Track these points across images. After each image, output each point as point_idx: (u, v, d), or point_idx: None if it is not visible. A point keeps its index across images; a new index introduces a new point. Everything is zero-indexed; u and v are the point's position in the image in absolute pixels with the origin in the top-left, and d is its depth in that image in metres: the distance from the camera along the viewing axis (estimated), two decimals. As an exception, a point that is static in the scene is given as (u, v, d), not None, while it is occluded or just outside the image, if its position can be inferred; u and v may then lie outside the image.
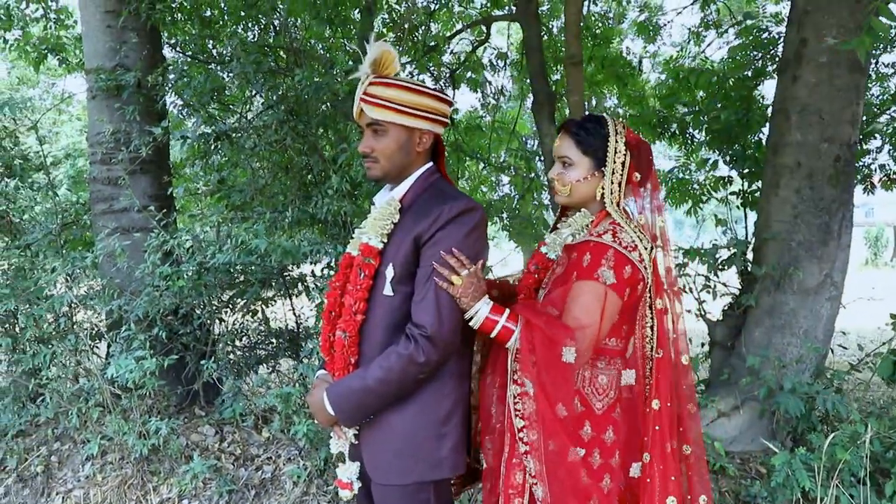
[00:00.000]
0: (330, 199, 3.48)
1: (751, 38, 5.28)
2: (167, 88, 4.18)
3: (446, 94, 1.83)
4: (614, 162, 1.80)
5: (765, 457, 3.45)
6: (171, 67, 4.23)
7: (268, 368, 4.14)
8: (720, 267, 3.97)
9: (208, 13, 5.39)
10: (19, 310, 3.48)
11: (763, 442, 3.42)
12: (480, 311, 1.69)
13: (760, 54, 5.28)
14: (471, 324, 1.71)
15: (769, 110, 4.21)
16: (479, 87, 7.36)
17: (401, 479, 1.71)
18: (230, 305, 3.98)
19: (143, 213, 3.81)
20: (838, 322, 3.77)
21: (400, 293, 1.70)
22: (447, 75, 6.95)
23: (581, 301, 1.69)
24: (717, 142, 5.04)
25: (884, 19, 2.54)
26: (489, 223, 3.30)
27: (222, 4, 5.46)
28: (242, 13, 5.19)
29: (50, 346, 3.45)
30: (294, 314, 4.16)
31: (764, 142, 4.61)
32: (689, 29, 7.81)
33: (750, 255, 3.95)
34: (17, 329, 3.63)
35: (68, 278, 3.62)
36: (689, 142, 5.76)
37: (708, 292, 3.99)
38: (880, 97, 5.79)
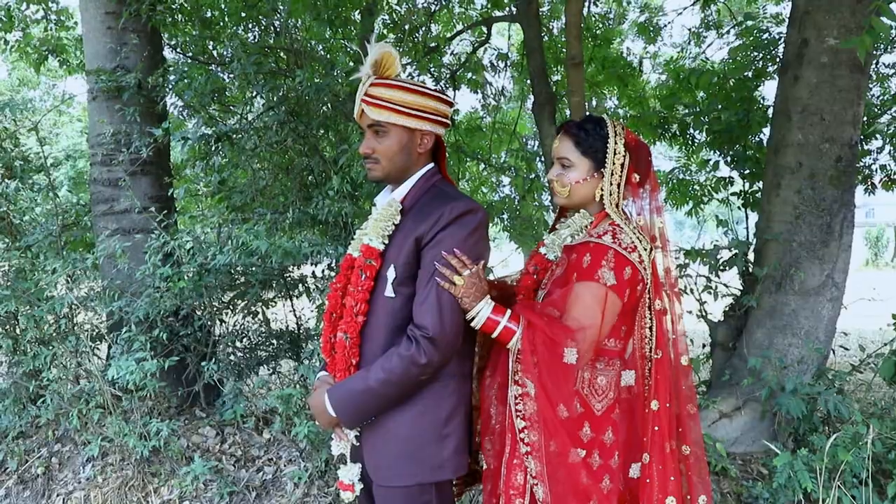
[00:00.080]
0: (331, 201, 3.47)
1: (751, 38, 5.28)
2: (168, 90, 4.19)
3: (447, 95, 1.83)
4: (613, 163, 1.80)
5: (766, 458, 3.45)
6: (171, 69, 4.23)
7: (268, 370, 4.13)
8: (721, 268, 3.97)
9: (209, 14, 5.39)
10: (20, 311, 3.48)
11: (765, 443, 3.41)
12: (482, 312, 1.69)
13: (761, 55, 5.28)
14: (472, 324, 1.71)
15: (770, 111, 4.21)
16: (479, 87, 7.36)
17: (403, 481, 1.71)
18: (231, 307, 3.97)
19: (144, 214, 3.81)
20: (839, 323, 3.77)
21: (401, 295, 1.70)
22: (448, 76, 6.95)
23: (582, 302, 1.69)
24: (718, 142, 5.04)
25: (885, 19, 2.54)
26: (490, 224, 3.30)
27: (223, 6, 5.46)
28: (243, 14, 5.20)
29: (50, 348, 3.44)
30: (295, 315, 4.16)
31: (765, 142, 4.61)
32: (690, 30, 7.81)
33: (751, 256, 3.94)
34: (18, 330, 3.63)
35: (69, 280, 3.61)
36: (689, 143, 5.76)
37: (709, 293, 3.99)
38: (881, 97, 5.79)
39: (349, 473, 1.82)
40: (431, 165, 1.83)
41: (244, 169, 4.08)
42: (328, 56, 5.18)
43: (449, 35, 7.29)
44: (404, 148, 1.76)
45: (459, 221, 1.66)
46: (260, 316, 4.04)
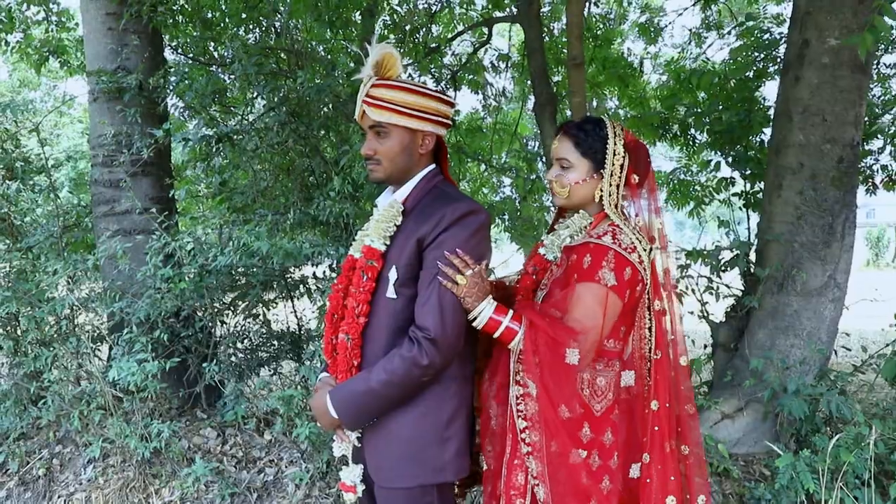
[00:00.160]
0: (332, 202, 3.47)
1: (752, 39, 5.27)
2: (168, 91, 4.19)
3: (448, 96, 1.83)
4: (613, 164, 1.81)
5: (768, 459, 3.44)
6: (172, 70, 4.24)
7: (269, 371, 4.13)
8: (723, 268, 3.96)
9: (210, 15, 5.39)
10: (21, 312, 3.48)
11: (767, 444, 3.41)
12: (484, 312, 1.69)
13: (762, 55, 5.28)
14: (474, 324, 1.71)
15: (771, 111, 4.20)
16: (480, 88, 7.36)
17: (405, 483, 1.70)
18: (232, 308, 3.97)
19: (145, 215, 3.80)
20: (840, 323, 3.76)
21: (403, 296, 1.69)
22: (448, 77, 6.95)
23: (583, 303, 1.70)
24: (719, 143, 5.03)
25: (887, 19, 2.54)
26: (491, 225, 3.29)
27: (223, 7, 5.46)
28: (244, 15, 5.20)
29: (51, 349, 3.44)
30: (296, 316, 4.16)
31: (766, 143, 4.60)
32: (690, 30, 7.81)
33: (753, 257, 3.94)
34: (19, 332, 3.63)
35: (70, 281, 3.61)
36: (690, 143, 5.75)
37: (711, 294, 3.98)
38: (881, 98, 5.79)
39: (351, 475, 1.82)
40: (433, 166, 1.83)
41: (245, 170, 4.08)
42: (329, 57, 5.18)
43: (450, 36, 7.29)
44: (406, 149, 1.76)
45: (461, 222, 1.66)
46: (261, 317, 4.04)
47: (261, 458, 3.65)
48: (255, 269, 3.70)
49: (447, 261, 1.65)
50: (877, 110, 5.49)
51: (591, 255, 1.73)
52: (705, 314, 4.00)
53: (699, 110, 5.43)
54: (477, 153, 7.45)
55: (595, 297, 1.69)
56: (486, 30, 7.11)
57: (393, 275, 1.70)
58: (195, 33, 5.32)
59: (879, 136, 5.40)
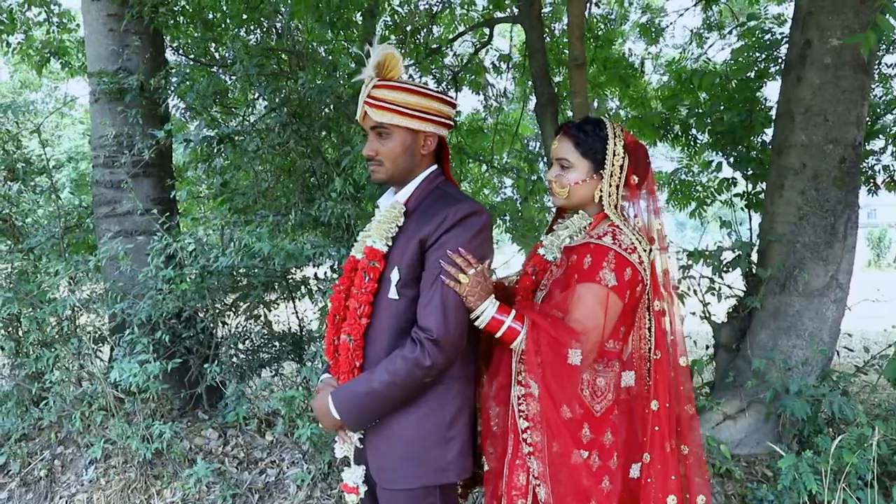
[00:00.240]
0: (333, 202, 3.47)
1: (753, 39, 5.27)
2: (170, 91, 4.18)
3: (450, 97, 1.83)
4: (613, 165, 1.81)
5: (771, 460, 3.44)
6: (173, 71, 4.23)
7: (271, 372, 4.13)
8: (725, 269, 3.96)
9: (211, 16, 5.39)
10: (22, 313, 3.48)
11: (769, 445, 3.40)
12: (487, 311, 1.69)
13: (763, 56, 5.27)
14: (476, 323, 1.71)
15: (773, 112, 4.20)
16: (481, 89, 7.36)
17: (407, 484, 1.70)
18: (233, 309, 3.97)
19: (146, 216, 3.80)
20: (842, 324, 3.75)
21: (405, 297, 1.69)
22: (449, 77, 6.95)
23: (584, 304, 1.70)
24: (721, 144, 5.03)
25: (890, 18, 2.54)
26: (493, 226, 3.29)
27: (224, 8, 5.46)
28: (245, 16, 5.20)
29: (53, 350, 3.44)
30: (297, 317, 4.15)
31: (768, 143, 4.60)
32: (692, 31, 7.80)
33: (754, 257, 3.93)
34: (21, 333, 3.63)
35: (71, 282, 3.61)
36: (692, 144, 5.75)
37: (713, 294, 3.98)
38: (883, 98, 5.78)
39: (353, 476, 1.82)
40: (435, 167, 1.83)
41: (246, 171, 4.08)
42: (330, 58, 5.17)
43: (451, 36, 7.28)
44: (408, 150, 1.75)
45: (464, 223, 1.66)
46: (262, 318, 4.04)
47: (262, 459, 3.65)
48: (256, 270, 3.69)
49: (450, 259, 1.64)
50: (878, 110, 5.48)
51: (592, 255, 1.73)
52: (707, 315, 4.00)
53: (700, 111, 5.42)
54: (478, 154, 7.44)
55: (596, 298, 1.69)
56: (487, 30, 7.10)
57: (395, 276, 1.69)
58: (196, 34, 5.32)
59: (881, 136, 5.39)
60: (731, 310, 4.02)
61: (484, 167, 7.86)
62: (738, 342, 3.88)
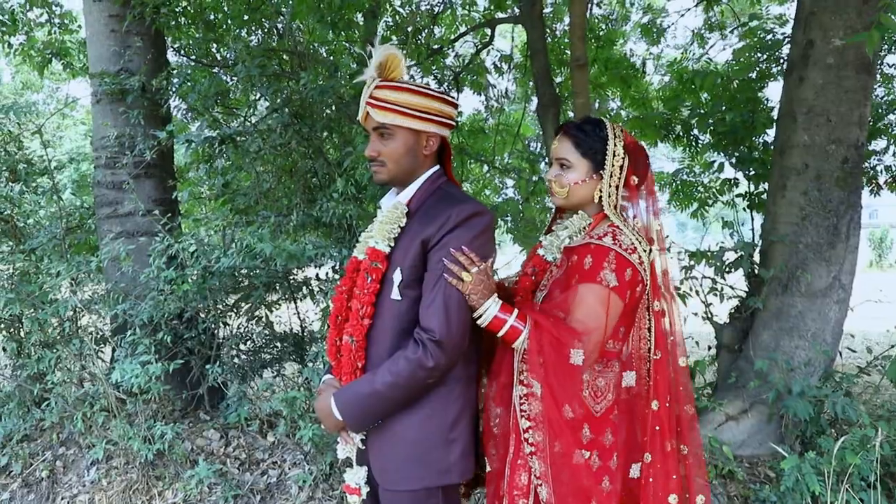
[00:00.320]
0: (335, 203, 3.47)
1: (755, 39, 5.26)
2: (171, 92, 4.18)
3: (451, 97, 1.83)
4: (612, 165, 1.81)
5: (774, 461, 3.43)
6: (175, 71, 4.23)
7: (272, 372, 4.13)
8: (727, 269, 3.95)
9: (212, 17, 5.39)
10: (24, 314, 3.48)
11: (772, 446, 3.39)
12: (489, 310, 1.69)
13: (765, 56, 5.26)
14: (479, 322, 1.71)
15: (775, 112, 4.19)
16: (482, 89, 7.35)
17: (410, 485, 1.70)
18: (235, 309, 3.97)
19: (148, 217, 3.80)
20: (845, 324, 3.74)
21: (407, 297, 1.69)
22: (451, 78, 6.95)
23: (585, 304, 1.70)
24: (723, 144, 5.02)
25: (893, 17, 2.54)
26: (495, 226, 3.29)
27: (226, 8, 5.46)
28: (246, 17, 5.19)
29: (55, 351, 3.44)
30: (299, 318, 4.15)
31: (770, 144, 4.58)
32: (693, 31, 7.79)
33: (757, 258, 3.92)
34: (22, 333, 3.63)
35: (73, 282, 3.61)
36: (693, 144, 5.74)
37: (715, 295, 3.97)
38: (885, 98, 5.77)
39: (355, 477, 1.81)
40: (437, 167, 1.83)
41: (248, 171, 4.08)
42: (332, 58, 5.18)
43: (452, 37, 7.28)
44: (410, 150, 1.75)
45: (466, 224, 1.66)
46: (264, 319, 4.04)
47: (264, 459, 3.65)
48: (258, 271, 3.69)
49: (453, 258, 1.64)
50: (880, 110, 5.47)
51: (592, 255, 1.73)
52: (709, 315, 3.99)
53: (702, 111, 5.41)
54: (479, 154, 7.44)
55: (597, 298, 1.69)
56: (488, 31, 7.09)
57: (397, 276, 1.69)
58: (198, 35, 5.32)
59: (883, 136, 5.38)
60: (733, 310, 4.01)
61: (485, 168, 7.85)
62: (740, 343, 3.87)
